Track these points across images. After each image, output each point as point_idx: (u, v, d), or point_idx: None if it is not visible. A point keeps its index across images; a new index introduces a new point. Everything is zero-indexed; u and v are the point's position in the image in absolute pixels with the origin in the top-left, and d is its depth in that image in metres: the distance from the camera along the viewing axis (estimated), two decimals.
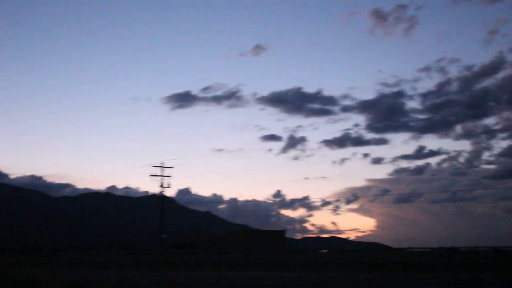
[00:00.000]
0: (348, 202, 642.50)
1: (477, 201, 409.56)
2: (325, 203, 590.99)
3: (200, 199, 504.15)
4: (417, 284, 26.71)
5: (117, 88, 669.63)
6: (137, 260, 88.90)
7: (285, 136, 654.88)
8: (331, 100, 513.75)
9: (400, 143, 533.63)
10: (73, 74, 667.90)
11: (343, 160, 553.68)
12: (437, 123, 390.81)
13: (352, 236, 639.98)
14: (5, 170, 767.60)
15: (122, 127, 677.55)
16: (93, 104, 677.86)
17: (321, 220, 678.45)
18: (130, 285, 27.61)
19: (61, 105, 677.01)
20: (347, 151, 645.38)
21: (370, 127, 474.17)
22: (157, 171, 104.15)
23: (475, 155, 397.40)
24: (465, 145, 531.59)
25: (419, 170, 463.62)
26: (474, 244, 75.76)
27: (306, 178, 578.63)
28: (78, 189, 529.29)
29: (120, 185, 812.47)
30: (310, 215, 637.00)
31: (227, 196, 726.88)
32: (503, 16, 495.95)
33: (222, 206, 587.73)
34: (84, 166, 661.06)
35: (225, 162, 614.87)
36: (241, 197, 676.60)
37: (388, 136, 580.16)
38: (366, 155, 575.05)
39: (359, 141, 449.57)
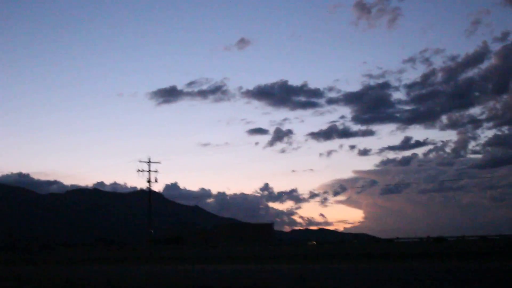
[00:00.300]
0: (336, 194, 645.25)
1: (464, 190, 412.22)
2: (313, 195, 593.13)
3: (188, 194, 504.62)
4: (406, 274, 26.59)
5: (102, 84, 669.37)
6: (125, 255, 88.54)
7: (271, 129, 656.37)
8: (316, 93, 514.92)
9: (387, 134, 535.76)
10: (58, 72, 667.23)
11: (330, 152, 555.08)
12: (423, 113, 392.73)
13: (340, 227, 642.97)
14: None
15: (108, 123, 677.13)
16: (78, 101, 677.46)
17: (309, 212, 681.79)
18: (119, 280, 27.35)
19: (47, 102, 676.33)
20: (334, 143, 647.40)
21: (356, 119, 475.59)
22: (144, 166, 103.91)
23: (461, 145, 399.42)
24: (451, 135, 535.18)
25: (406, 161, 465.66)
26: (461, 233, 76.12)
27: (293, 171, 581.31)
28: (65, 185, 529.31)
29: (108, 181, 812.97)
30: (298, 208, 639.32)
31: (215, 190, 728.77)
32: (486, 7, 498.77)
33: (210, 200, 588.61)
34: (70, 163, 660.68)
35: (212, 156, 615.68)
36: (229, 191, 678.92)
37: (374, 127, 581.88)
38: (352, 147, 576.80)
39: (345, 133, 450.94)
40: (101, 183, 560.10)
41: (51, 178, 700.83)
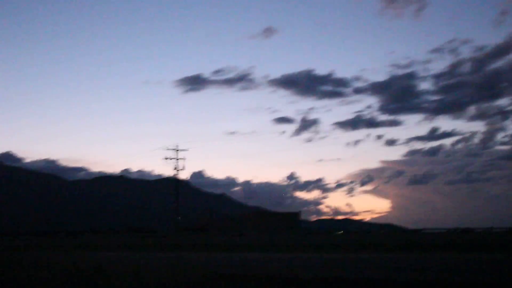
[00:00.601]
0: (363, 183, 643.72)
1: (491, 182, 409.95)
2: (340, 185, 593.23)
3: (214, 182, 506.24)
4: (430, 265, 26.52)
5: (128, 72, 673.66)
6: (152, 242, 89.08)
7: (297, 118, 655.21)
8: (343, 82, 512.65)
9: (414, 125, 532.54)
10: (85, 58, 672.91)
11: (356, 142, 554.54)
12: (450, 104, 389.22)
13: (367, 217, 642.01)
14: (20, 154, 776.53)
15: (134, 110, 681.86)
16: (105, 88, 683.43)
17: (336, 202, 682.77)
18: (146, 267, 27.60)
19: (74, 89, 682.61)
20: (360, 133, 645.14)
21: (383, 109, 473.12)
22: (171, 154, 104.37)
23: (489, 136, 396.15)
24: (479, 126, 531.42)
25: (433, 152, 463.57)
26: (489, 225, 75.69)
27: (320, 160, 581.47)
28: (93, 172, 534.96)
29: (134, 168, 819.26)
30: (325, 197, 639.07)
31: (241, 179, 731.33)
32: None
33: (236, 188, 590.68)
34: (97, 150, 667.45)
35: (239, 145, 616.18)
36: (255, 180, 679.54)
37: (401, 117, 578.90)
38: (379, 136, 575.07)
39: (372, 123, 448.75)
40: (128, 170, 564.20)
41: (78, 164, 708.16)
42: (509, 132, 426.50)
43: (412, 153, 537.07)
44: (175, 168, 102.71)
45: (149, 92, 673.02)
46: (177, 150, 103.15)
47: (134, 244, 79.60)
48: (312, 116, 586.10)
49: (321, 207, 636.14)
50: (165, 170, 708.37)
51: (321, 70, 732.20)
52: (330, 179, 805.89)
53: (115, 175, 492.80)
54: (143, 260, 35.72)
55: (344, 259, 32.77)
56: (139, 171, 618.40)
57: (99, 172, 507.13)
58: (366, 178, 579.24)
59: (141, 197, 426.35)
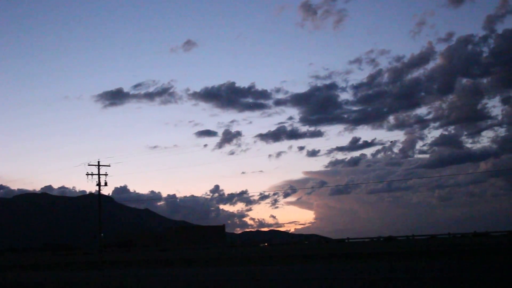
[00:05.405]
0: (286, 195, 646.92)
1: (412, 190, 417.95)
2: (263, 197, 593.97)
3: (138, 197, 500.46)
4: (357, 274, 26.81)
5: (47, 87, 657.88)
6: (75, 260, 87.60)
7: (220, 131, 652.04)
8: (264, 94, 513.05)
9: (335, 135, 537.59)
10: (3, 73, 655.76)
11: (279, 154, 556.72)
12: (370, 114, 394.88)
13: (291, 229, 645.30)
14: None
15: (54, 126, 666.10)
16: (24, 103, 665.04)
17: (260, 214, 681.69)
18: (70, 286, 27.09)
19: None
20: (283, 145, 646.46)
21: (304, 120, 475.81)
22: (93, 169, 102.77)
23: (409, 145, 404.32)
24: (399, 135, 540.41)
25: (355, 162, 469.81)
26: (411, 233, 76.99)
27: (243, 173, 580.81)
28: (13, 190, 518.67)
29: (56, 185, 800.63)
30: (249, 209, 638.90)
31: (165, 193, 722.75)
32: (431, 8, 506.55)
33: (161, 203, 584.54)
34: (17, 167, 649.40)
35: (161, 159, 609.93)
36: (179, 194, 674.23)
37: (322, 128, 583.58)
38: (301, 148, 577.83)
39: (294, 134, 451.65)
40: (49, 187, 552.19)
41: None
42: (427, 141, 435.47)
43: (334, 163, 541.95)
44: (97, 184, 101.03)
45: (69, 107, 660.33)
46: (99, 166, 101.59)
47: (58, 263, 78.15)
48: (234, 129, 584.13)
49: (246, 219, 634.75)
50: (88, 186, 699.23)
51: (242, 82, 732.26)
52: (253, 191, 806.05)
53: (36, 193, 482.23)
54: (65, 279, 35.08)
55: (272, 271, 32.83)
56: (61, 188, 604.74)
57: (20, 190, 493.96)
58: (289, 189, 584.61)
59: (64, 214, 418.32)
